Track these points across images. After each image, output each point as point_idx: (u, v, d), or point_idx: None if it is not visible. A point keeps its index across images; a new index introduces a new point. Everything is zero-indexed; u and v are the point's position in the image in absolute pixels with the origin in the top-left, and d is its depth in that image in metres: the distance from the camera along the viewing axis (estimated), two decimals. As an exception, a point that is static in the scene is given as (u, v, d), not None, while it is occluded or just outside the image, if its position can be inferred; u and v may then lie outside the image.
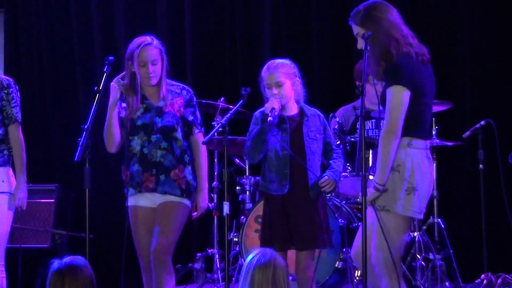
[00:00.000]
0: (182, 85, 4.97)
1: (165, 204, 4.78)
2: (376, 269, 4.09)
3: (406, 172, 4.03)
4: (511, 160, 5.65)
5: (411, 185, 4.03)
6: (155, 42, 4.84)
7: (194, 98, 4.95)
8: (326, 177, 4.67)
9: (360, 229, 4.07)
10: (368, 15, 4.13)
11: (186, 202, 4.83)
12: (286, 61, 4.79)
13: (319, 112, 4.84)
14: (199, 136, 4.90)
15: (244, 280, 3.33)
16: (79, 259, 3.33)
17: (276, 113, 4.59)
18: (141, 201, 4.83)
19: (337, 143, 5.87)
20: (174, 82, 4.95)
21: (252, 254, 3.39)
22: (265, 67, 4.78)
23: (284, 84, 4.70)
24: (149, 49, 4.79)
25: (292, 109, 4.78)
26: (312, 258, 4.74)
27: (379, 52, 4.07)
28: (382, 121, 4.21)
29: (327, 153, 4.81)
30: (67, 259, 3.31)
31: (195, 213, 4.89)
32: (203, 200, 4.89)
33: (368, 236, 4.02)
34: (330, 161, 4.79)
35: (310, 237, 4.67)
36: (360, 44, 4.14)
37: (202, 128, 4.96)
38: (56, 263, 3.29)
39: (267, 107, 4.62)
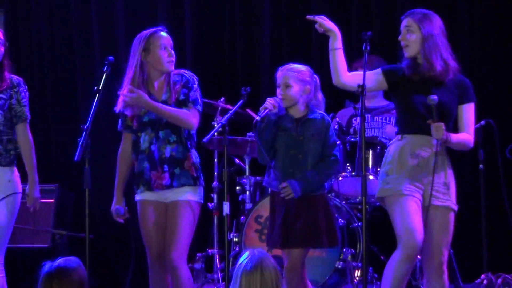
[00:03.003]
0: (183, 70, 4.84)
1: (176, 203, 4.71)
2: (443, 266, 4.57)
3: None
4: (509, 155, 5.67)
5: None
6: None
7: (192, 80, 4.76)
8: (284, 184, 4.65)
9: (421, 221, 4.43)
10: (427, 17, 4.54)
11: (198, 196, 4.76)
12: (302, 67, 4.78)
13: (325, 116, 4.80)
14: (192, 112, 4.70)
15: (234, 284, 3.32)
16: (71, 261, 3.27)
17: (272, 110, 4.63)
18: (150, 196, 4.76)
19: (337, 143, 5.89)
20: (176, 71, 4.81)
21: (242, 257, 3.38)
22: (280, 67, 4.80)
23: (291, 87, 4.70)
24: (167, 35, 4.76)
25: (297, 113, 4.77)
26: (302, 258, 4.70)
27: (435, 53, 4.48)
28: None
29: (323, 158, 4.77)
30: (59, 261, 3.25)
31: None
32: None
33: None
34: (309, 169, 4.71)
35: (303, 235, 4.64)
36: (404, 37, 4.53)
37: (197, 105, 4.74)
38: (47, 266, 3.24)
39: (261, 106, 4.64)
